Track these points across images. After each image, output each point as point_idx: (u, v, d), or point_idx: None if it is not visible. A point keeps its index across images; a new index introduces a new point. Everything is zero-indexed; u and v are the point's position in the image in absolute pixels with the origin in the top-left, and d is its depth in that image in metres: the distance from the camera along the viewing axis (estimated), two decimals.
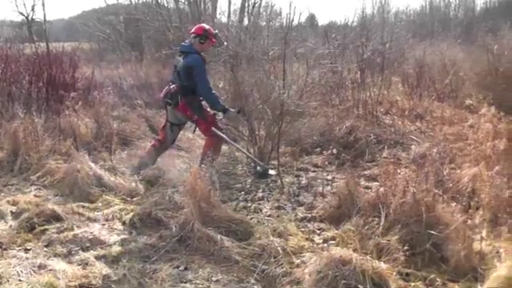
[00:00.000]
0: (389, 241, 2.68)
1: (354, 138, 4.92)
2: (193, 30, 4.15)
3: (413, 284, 2.47)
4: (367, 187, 3.73)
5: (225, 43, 4.47)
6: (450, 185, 3.30)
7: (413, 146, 4.55)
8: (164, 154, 4.30)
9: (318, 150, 4.94)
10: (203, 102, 4.16)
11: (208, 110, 4.18)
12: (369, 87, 6.01)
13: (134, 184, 3.82)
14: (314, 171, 4.46)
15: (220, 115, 4.14)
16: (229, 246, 2.82)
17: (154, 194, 3.55)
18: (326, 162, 4.63)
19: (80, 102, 5.54)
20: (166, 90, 4.14)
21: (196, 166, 3.54)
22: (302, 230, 3.13)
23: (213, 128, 4.13)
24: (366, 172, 4.23)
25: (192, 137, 5.00)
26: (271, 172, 4.22)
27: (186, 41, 4.22)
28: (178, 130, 4.32)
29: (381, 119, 5.72)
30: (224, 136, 4.23)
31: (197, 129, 4.30)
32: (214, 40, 4.14)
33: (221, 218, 3.05)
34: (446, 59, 7.36)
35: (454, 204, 2.94)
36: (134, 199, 3.62)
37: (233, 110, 4.13)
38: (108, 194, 3.70)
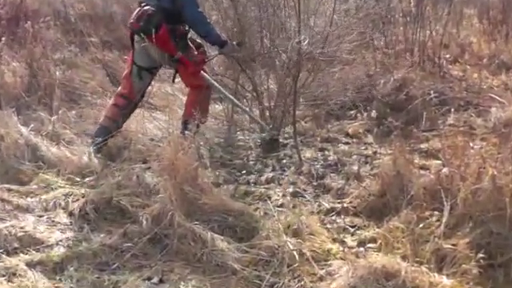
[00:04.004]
0: (455, 245, 2.67)
1: (406, 97, 4.90)
2: None
3: None
4: (424, 167, 3.72)
5: None
6: None
7: (493, 109, 4.55)
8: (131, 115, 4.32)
9: (352, 112, 4.98)
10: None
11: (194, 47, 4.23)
12: (429, 23, 5.94)
13: (86, 158, 3.81)
14: (347, 143, 4.49)
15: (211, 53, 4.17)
16: (223, 249, 2.82)
17: (115, 172, 3.55)
18: (364, 131, 4.66)
19: (3, 39, 5.44)
20: (136, 12, 4.12)
21: (177, 132, 3.54)
22: (328, 227, 3.15)
23: (203, 73, 4.16)
24: (422, 145, 4.24)
25: (171, 91, 4.97)
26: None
27: None
28: (150, 77, 4.32)
29: (446, 70, 5.72)
30: (217, 85, 4.24)
31: (177, 75, 4.32)
32: None
33: (212, 208, 3.07)
34: None
35: None
36: (87, 180, 3.62)
37: (233, 42, 4.17)
38: (48, 172, 3.69)
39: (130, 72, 4.25)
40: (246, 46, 4.26)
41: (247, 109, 4.49)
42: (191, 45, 4.22)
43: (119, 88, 4.39)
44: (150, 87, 4.44)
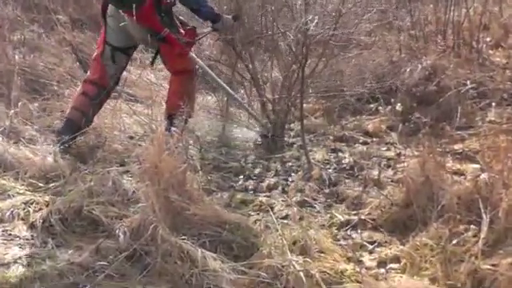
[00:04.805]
0: (495, 266, 2.67)
1: (437, 88, 4.90)
2: None
3: None
4: (458, 172, 3.74)
5: None
6: None
7: None
8: (104, 107, 4.35)
9: (371, 106, 5.01)
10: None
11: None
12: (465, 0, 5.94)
13: (50, 159, 3.82)
14: (365, 143, 4.51)
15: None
16: (216, 269, 2.81)
17: (86, 176, 3.57)
18: (386, 128, 4.68)
19: None
20: None
21: (161, 129, 3.51)
22: (342, 243, 3.16)
23: (192, 54, 4.20)
24: (455, 146, 4.25)
25: (154, 79, 4.96)
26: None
27: None
28: (126, 59, 4.35)
29: (486, 56, 5.67)
30: (209, 70, 4.26)
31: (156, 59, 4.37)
32: None
33: (203, 219, 3.08)
34: None
35: None
36: (52, 185, 3.62)
37: (228, 16, 4.20)
38: (4, 176, 3.70)
39: (101, 53, 4.26)
40: (244, 22, 4.28)
41: (244, 101, 4.50)
42: (176, 20, 4.24)
43: (88, 73, 4.40)
44: (124, 73, 4.45)
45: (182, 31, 4.21)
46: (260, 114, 4.46)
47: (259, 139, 4.42)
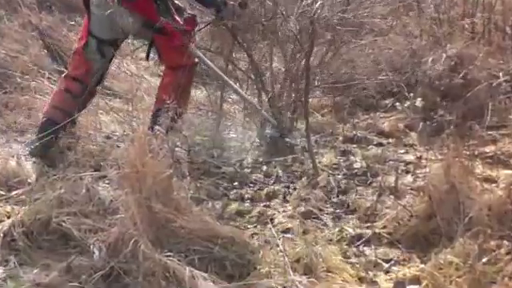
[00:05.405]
0: None
1: (464, 80, 4.89)
2: None
3: None
4: (489, 179, 3.74)
5: None
6: None
7: None
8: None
9: (387, 102, 5.08)
10: None
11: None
12: None
13: (13, 163, 3.83)
14: (380, 144, 4.55)
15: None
16: None
17: (56, 183, 3.51)
18: (404, 127, 4.72)
19: None
20: None
21: (144, 128, 3.51)
22: (353, 261, 3.15)
23: (192, 46, 4.20)
24: (486, 148, 4.25)
25: (135, 70, 4.96)
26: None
27: None
28: (113, 52, 4.35)
29: None
30: (212, 65, 4.29)
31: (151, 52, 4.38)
32: None
33: (192, 233, 3.06)
34: None
35: None
36: (14, 194, 3.62)
37: (233, 3, 4.22)
38: None
39: (84, 46, 4.26)
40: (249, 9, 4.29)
41: (255, 101, 4.49)
42: (172, 8, 4.24)
43: (69, 68, 4.40)
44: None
45: (179, 19, 4.21)
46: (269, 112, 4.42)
47: (257, 140, 4.41)
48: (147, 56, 4.54)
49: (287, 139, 4.33)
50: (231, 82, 4.47)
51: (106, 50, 4.27)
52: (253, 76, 4.48)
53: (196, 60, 4.37)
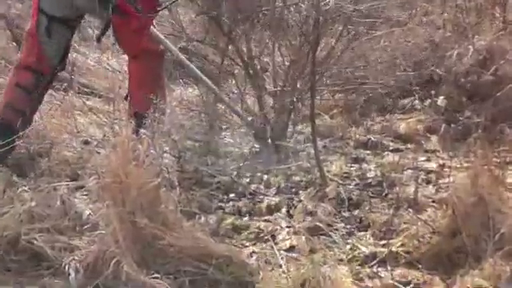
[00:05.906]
0: None
1: (494, 77, 4.94)
2: None
3: None
4: None
5: None
6: None
7: None
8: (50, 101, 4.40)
9: (405, 101, 5.10)
10: None
11: None
12: None
13: None
14: (397, 150, 4.60)
15: None
16: None
17: (25, 194, 3.56)
18: (425, 131, 4.75)
19: None
20: None
21: (126, 131, 3.46)
22: (368, 284, 3.20)
23: (153, 30, 4.26)
24: None
25: (117, 66, 4.96)
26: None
27: None
28: (68, 33, 4.34)
29: None
30: (176, 49, 4.40)
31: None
32: None
33: (182, 252, 3.10)
34: None
35: None
36: None
37: None
38: None
39: (36, 25, 4.25)
40: None
41: (229, 99, 4.55)
42: None
43: (21, 56, 4.39)
44: (77, 56, 4.42)
45: None
46: (257, 111, 4.43)
47: (256, 145, 4.38)
48: (98, 38, 4.50)
49: (278, 142, 4.37)
50: (197, 70, 4.55)
51: (55, 29, 4.24)
52: (250, 71, 4.45)
53: (161, 47, 4.35)
